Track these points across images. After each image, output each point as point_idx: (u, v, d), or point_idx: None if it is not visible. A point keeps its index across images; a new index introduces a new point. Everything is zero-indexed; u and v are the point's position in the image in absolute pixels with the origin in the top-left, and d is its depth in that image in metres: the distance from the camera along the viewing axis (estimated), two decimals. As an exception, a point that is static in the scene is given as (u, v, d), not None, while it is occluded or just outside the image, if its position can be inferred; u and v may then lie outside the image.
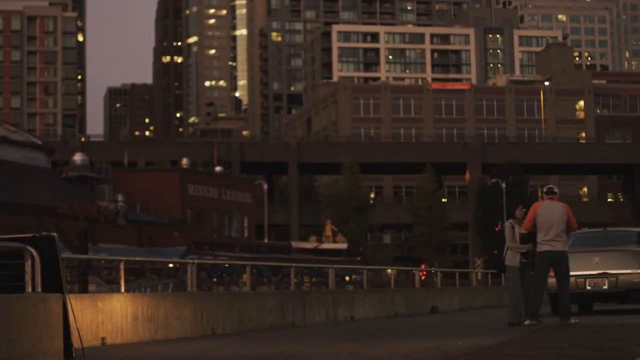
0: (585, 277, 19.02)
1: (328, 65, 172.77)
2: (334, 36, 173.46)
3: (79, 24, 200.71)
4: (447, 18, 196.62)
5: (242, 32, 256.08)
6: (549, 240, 15.17)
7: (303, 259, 68.82)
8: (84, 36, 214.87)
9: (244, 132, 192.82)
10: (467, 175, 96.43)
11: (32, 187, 60.69)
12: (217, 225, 78.19)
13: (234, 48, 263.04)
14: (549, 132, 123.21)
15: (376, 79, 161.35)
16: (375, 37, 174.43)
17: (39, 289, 8.60)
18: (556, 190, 15.62)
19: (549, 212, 15.12)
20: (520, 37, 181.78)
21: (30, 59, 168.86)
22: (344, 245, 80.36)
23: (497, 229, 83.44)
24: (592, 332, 13.78)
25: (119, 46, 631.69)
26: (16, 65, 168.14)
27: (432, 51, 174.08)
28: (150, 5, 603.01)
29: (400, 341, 13.57)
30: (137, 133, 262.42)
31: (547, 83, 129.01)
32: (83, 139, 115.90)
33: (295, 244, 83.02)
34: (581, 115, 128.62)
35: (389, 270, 34.98)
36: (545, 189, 15.73)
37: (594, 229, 22.29)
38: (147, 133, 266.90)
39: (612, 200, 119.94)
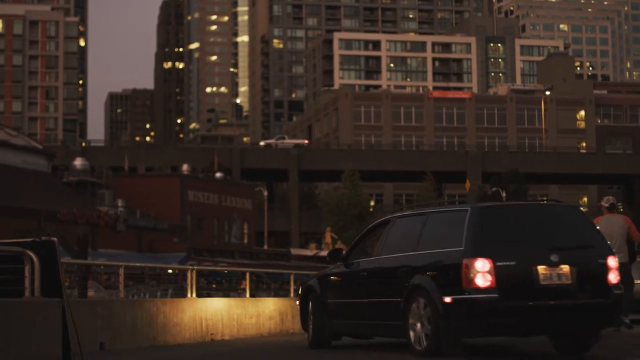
0: None
1: (329, 73, 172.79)
2: (336, 44, 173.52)
3: (81, 28, 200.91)
4: (448, 27, 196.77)
5: (243, 38, 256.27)
6: None
7: (302, 266, 68.69)
8: (85, 41, 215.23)
9: (245, 139, 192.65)
10: (468, 184, 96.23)
11: (32, 191, 60.68)
12: (217, 231, 78.11)
13: (235, 54, 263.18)
14: (550, 141, 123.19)
15: (377, 86, 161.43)
16: (376, 45, 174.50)
17: (38, 294, 8.59)
18: (615, 204, 16.11)
19: (608, 227, 15.31)
20: (522, 47, 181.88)
21: (31, 63, 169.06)
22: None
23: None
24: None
25: (121, 51, 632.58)
26: (18, 70, 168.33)
27: (434, 59, 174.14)
28: (153, 11, 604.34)
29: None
30: (137, 138, 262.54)
31: (548, 92, 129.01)
32: (84, 144, 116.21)
33: (295, 251, 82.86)
34: (582, 125, 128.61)
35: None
36: (608, 205, 16.03)
37: None
38: (147, 138, 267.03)
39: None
